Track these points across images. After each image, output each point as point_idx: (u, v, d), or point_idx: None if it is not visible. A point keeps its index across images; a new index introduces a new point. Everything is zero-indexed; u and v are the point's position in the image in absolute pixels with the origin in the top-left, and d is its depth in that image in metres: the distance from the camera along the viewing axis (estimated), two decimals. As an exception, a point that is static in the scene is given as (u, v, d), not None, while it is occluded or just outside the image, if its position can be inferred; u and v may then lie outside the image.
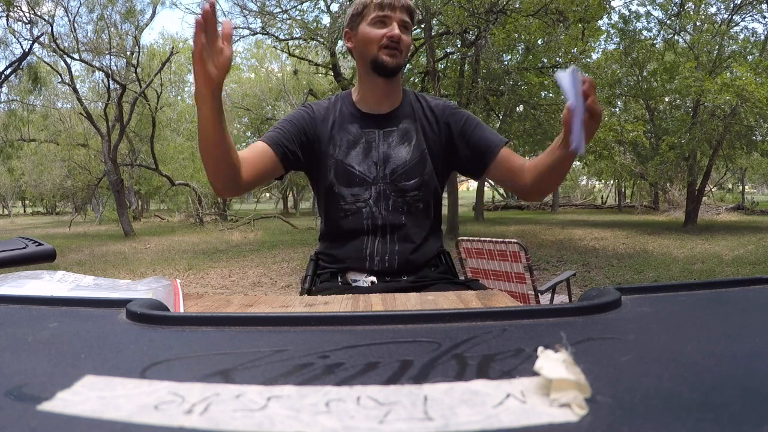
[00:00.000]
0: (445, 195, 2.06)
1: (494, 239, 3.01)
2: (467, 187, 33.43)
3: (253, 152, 1.16)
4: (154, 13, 15.88)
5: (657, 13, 12.62)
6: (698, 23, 12.09)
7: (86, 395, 0.24)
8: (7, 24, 12.54)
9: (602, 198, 28.08)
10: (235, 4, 10.00)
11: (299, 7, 9.85)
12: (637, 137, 8.62)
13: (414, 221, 1.25)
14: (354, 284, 1.23)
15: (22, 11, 12.03)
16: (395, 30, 1.17)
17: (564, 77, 0.91)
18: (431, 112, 1.28)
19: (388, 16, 1.18)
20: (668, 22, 12.41)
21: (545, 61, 9.57)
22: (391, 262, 1.23)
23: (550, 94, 9.91)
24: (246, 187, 1.15)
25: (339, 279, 1.25)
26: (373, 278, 1.23)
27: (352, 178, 1.23)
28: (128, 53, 13.56)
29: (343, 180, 1.23)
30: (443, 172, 1.30)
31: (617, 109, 13.26)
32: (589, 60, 9.92)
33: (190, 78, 22.79)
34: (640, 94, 12.74)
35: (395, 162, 1.23)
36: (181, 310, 0.68)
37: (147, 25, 14.81)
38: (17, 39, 12.91)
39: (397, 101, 1.27)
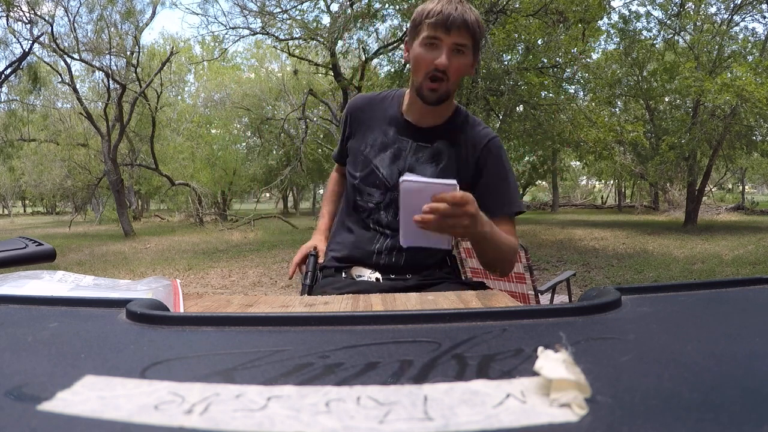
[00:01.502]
0: None
1: (494, 239, 3.01)
2: (467, 187, 33.35)
3: (339, 171, 1.45)
4: (154, 13, 15.86)
5: (657, 13, 12.62)
6: (698, 23, 12.08)
7: (86, 395, 0.24)
8: (7, 24, 12.53)
9: (602, 198, 28.09)
10: (235, 4, 10.01)
11: (299, 7, 9.85)
12: (637, 137, 8.62)
13: None
14: (359, 278, 1.23)
15: (22, 11, 12.03)
16: (443, 58, 1.09)
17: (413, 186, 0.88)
18: (472, 143, 1.22)
19: (439, 38, 1.09)
20: (668, 22, 12.41)
21: (545, 61, 9.57)
22: (398, 259, 1.24)
23: (550, 94, 9.91)
24: None
25: (344, 274, 1.26)
26: (378, 275, 1.23)
27: (375, 178, 1.24)
28: (128, 53, 13.56)
29: (366, 178, 1.25)
30: None
31: (617, 109, 13.27)
32: (589, 60, 9.92)
33: (190, 78, 22.83)
34: (640, 94, 12.74)
35: None
36: (181, 310, 0.68)
37: (147, 25, 14.82)
38: (17, 39, 12.91)
39: (441, 119, 1.23)
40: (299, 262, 1.37)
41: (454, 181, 0.87)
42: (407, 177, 0.88)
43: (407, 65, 1.31)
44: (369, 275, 1.23)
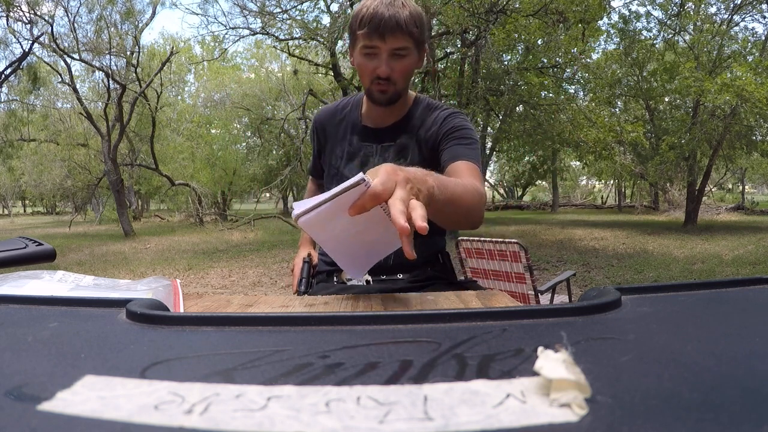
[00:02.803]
0: None
1: (494, 239, 3.01)
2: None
3: (314, 185, 1.39)
4: (154, 13, 15.87)
5: (657, 13, 12.63)
6: (698, 23, 12.09)
7: (86, 395, 0.24)
8: (7, 24, 12.54)
9: (602, 198, 28.10)
10: (235, 4, 10.01)
11: (299, 7, 9.85)
12: (637, 137, 8.62)
13: None
14: (349, 283, 1.22)
15: (22, 11, 12.04)
16: (383, 68, 1.06)
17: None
18: (433, 121, 1.19)
19: (376, 46, 1.05)
20: (668, 22, 12.41)
21: (545, 61, 9.57)
22: (386, 260, 1.20)
23: (550, 94, 9.92)
24: None
25: (335, 279, 1.25)
26: (368, 277, 1.21)
27: None
28: (128, 53, 13.56)
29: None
30: None
31: (617, 109, 13.27)
32: (589, 60, 9.92)
33: (190, 78, 22.83)
34: (640, 94, 12.74)
35: None
36: (181, 310, 0.68)
37: (147, 25, 14.83)
38: (17, 39, 12.92)
39: (400, 114, 1.22)
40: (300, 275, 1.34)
41: (359, 176, 0.66)
42: (296, 209, 0.70)
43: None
44: (359, 278, 1.21)
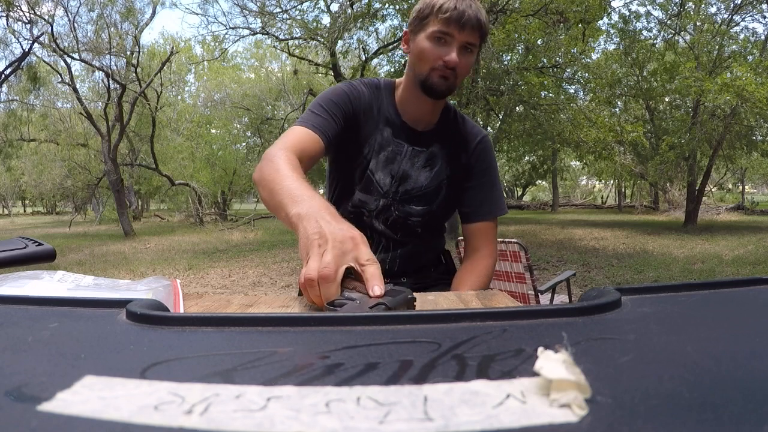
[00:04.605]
0: None
1: (494, 239, 3.01)
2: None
3: (307, 145, 1.02)
4: (154, 13, 15.86)
5: (657, 13, 12.63)
6: (698, 23, 12.09)
7: (86, 395, 0.24)
8: (7, 24, 12.54)
9: (602, 198, 28.12)
10: (235, 4, 10.01)
11: (299, 7, 9.86)
12: (637, 137, 8.63)
13: (410, 238, 1.22)
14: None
15: (22, 11, 12.03)
16: (453, 55, 1.03)
17: None
18: (465, 140, 1.20)
19: (451, 35, 1.04)
20: (668, 22, 12.41)
21: (545, 61, 9.57)
22: (392, 266, 1.21)
23: (550, 94, 9.92)
24: None
25: None
26: None
27: (368, 183, 1.16)
28: (128, 53, 13.56)
29: (362, 183, 1.17)
30: (457, 201, 1.24)
31: (617, 109, 13.27)
32: (589, 60, 9.92)
33: (190, 78, 22.83)
34: (640, 94, 12.75)
35: (412, 184, 1.17)
36: (181, 311, 0.68)
37: (147, 25, 14.82)
38: (17, 39, 12.92)
39: (435, 117, 1.18)
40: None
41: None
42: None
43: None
44: None
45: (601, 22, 11.15)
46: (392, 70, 10.73)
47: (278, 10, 9.74)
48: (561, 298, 3.77)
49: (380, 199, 1.17)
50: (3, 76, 13.20)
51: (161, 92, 14.95)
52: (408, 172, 1.16)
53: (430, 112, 1.16)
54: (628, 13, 12.72)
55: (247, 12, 9.89)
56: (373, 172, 1.16)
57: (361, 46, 10.99)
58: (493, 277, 3.07)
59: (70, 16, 12.65)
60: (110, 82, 12.91)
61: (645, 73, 12.78)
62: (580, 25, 9.18)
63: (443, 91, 1.08)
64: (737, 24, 12.21)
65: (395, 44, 10.14)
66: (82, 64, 13.80)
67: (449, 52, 1.04)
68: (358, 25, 9.52)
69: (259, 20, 9.95)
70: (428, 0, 1.06)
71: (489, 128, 11.94)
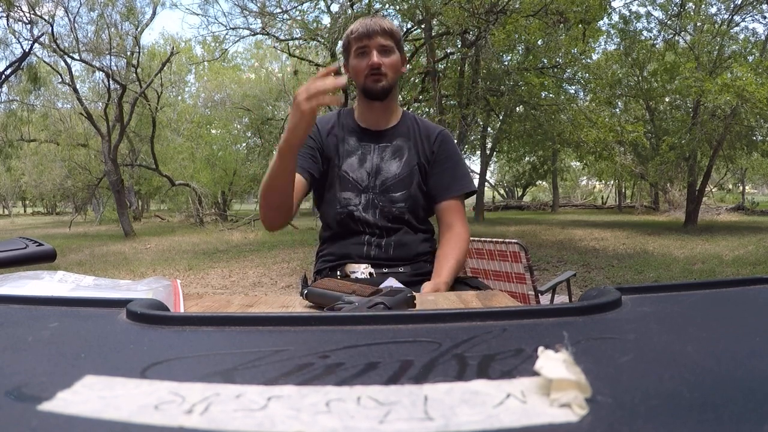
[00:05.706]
0: None
1: (494, 239, 3.01)
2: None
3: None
4: (154, 13, 15.87)
5: (657, 14, 12.63)
6: (698, 23, 12.09)
7: (86, 395, 0.24)
8: (7, 24, 12.55)
9: (602, 198, 28.12)
10: (235, 4, 10.01)
11: (299, 7, 9.86)
12: (637, 138, 8.63)
13: (399, 224, 1.34)
14: (353, 276, 1.28)
15: (22, 11, 12.03)
16: (374, 58, 1.26)
17: None
18: (426, 135, 1.38)
19: (366, 45, 1.27)
20: (668, 22, 12.41)
21: (545, 61, 9.58)
22: (387, 250, 1.31)
23: (551, 95, 9.92)
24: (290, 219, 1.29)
25: (338, 273, 1.31)
26: (372, 269, 1.29)
27: (346, 183, 1.33)
28: (128, 53, 13.55)
29: (340, 185, 1.34)
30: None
31: (617, 110, 13.28)
32: (589, 60, 9.92)
33: (191, 78, 22.82)
34: (640, 94, 12.75)
35: (385, 174, 1.33)
36: (182, 311, 0.68)
37: (147, 26, 14.82)
38: (17, 39, 12.92)
39: (394, 120, 1.38)
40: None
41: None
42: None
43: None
44: (363, 270, 1.29)
45: (601, 22, 11.16)
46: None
47: (278, 10, 9.74)
48: (561, 299, 3.77)
49: (361, 194, 1.33)
50: (3, 76, 13.20)
51: (161, 93, 14.94)
52: (380, 165, 1.34)
53: (384, 114, 1.36)
54: (628, 14, 12.73)
55: (247, 12, 9.90)
56: (348, 173, 1.34)
57: (361, 47, 10.97)
58: (494, 277, 3.07)
59: (70, 16, 12.65)
60: (110, 82, 12.90)
61: (645, 74, 12.78)
62: (580, 26, 9.18)
63: (379, 90, 1.28)
64: (737, 24, 12.22)
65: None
66: (83, 64, 13.80)
67: (370, 58, 1.27)
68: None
69: (259, 21, 9.95)
70: (346, 33, 1.32)
71: (489, 128, 11.93)
